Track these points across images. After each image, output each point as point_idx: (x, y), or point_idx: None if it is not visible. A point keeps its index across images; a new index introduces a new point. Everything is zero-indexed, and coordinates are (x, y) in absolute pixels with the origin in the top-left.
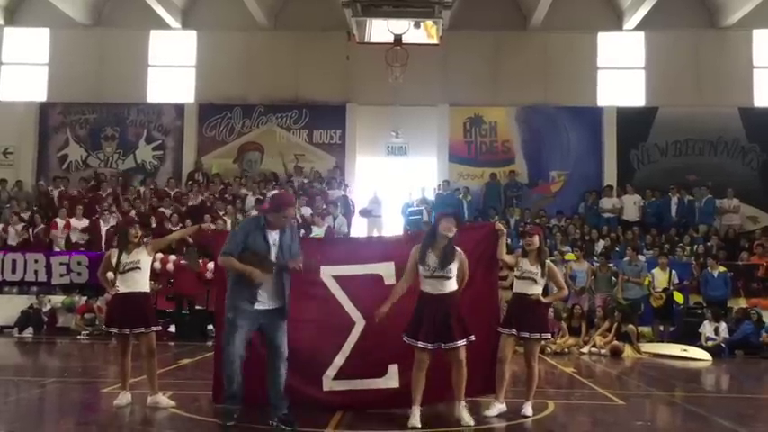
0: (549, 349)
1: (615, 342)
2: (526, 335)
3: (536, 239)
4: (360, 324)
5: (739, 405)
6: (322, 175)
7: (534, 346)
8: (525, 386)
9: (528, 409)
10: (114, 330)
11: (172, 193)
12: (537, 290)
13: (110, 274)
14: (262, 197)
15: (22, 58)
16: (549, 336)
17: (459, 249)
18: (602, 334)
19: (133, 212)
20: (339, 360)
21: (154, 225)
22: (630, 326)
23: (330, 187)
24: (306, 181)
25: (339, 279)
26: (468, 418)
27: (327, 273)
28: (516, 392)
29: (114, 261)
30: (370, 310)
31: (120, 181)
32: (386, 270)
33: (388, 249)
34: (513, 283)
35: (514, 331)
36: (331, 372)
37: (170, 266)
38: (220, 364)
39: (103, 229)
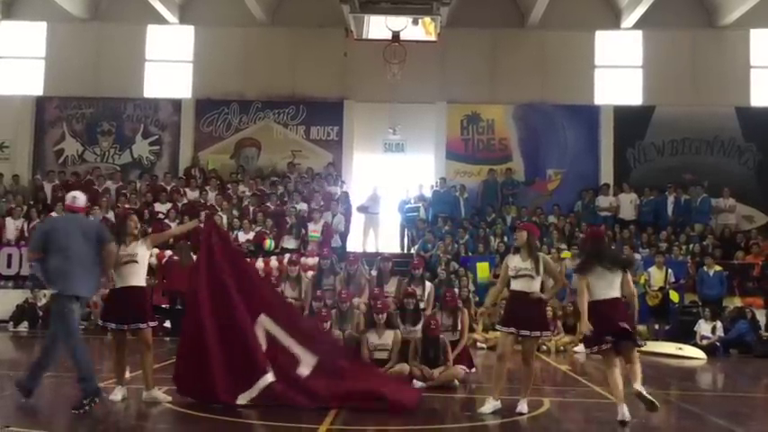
0: (544, 347)
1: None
2: (527, 333)
3: (523, 234)
4: (269, 377)
5: (734, 404)
6: (315, 171)
7: (533, 344)
8: (521, 383)
9: (523, 407)
10: (112, 326)
11: (168, 188)
12: (536, 286)
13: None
14: (258, 193)
15: (18, 51)
16: (548, 333)
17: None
18: None
19: (127, 206)
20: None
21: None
22: None
23: (328, 184)
24: (300, 176)
25: (268, 334)
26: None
27: (263, 323)
28: (511, 390)
29: None
30: (278, 371)
31: (118, 176)
32: (308, 360)
33: (323, 346)
34: (509, 281)
35: (513, 329)
36: (246, 394)
37: (153, 261)
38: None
39: None
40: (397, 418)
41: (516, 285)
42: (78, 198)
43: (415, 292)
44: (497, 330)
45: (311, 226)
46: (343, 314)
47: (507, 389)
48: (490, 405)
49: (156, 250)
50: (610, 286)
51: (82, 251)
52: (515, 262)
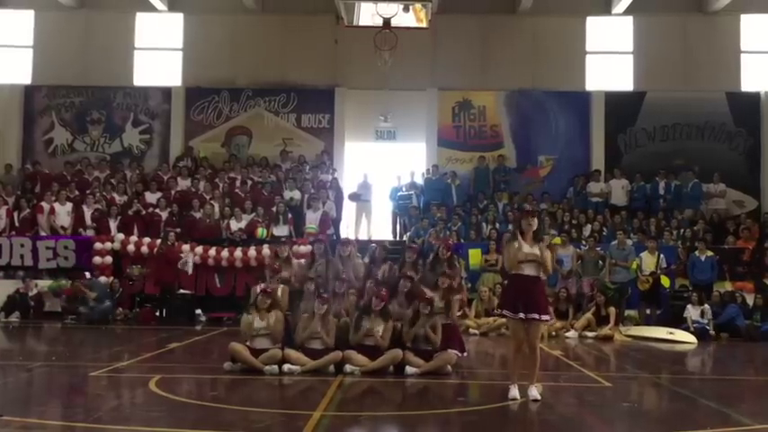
0: None
1: (608, 331)
2: (536, 317)
3: (536, 220)
4: None
5: (724, 387)
6: (307, 159)
7: (539, 329)
8: (528, 370)
9: (534, 392)
10: None
11: (166, 178)
12: (539, 271)
13: None
14: (250, 181)
15: (6, 40)
16: (550, 318)
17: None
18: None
19: (117, 197)
20: None
21: (139, 211)
22: (611, 308)
23: (321, 171)
24: (293, 165)
25: None
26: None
27: None
28: (503, 375)
29: None
30: None
31: (107, 164)
32: None
33: None
34: (502, 267)
35: (522, 315)
36: None
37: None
38: None
39: (87, 213)
40: (391, 404)
41: (522, 270)
42: None
43: (411, 276)
44: (504, 316)
45: (309, 215)
46: (337, 297)
47: (500, 374)
48: (516, 392)
49: (146, 239)
50: None
51: None
52: (523, 247)
